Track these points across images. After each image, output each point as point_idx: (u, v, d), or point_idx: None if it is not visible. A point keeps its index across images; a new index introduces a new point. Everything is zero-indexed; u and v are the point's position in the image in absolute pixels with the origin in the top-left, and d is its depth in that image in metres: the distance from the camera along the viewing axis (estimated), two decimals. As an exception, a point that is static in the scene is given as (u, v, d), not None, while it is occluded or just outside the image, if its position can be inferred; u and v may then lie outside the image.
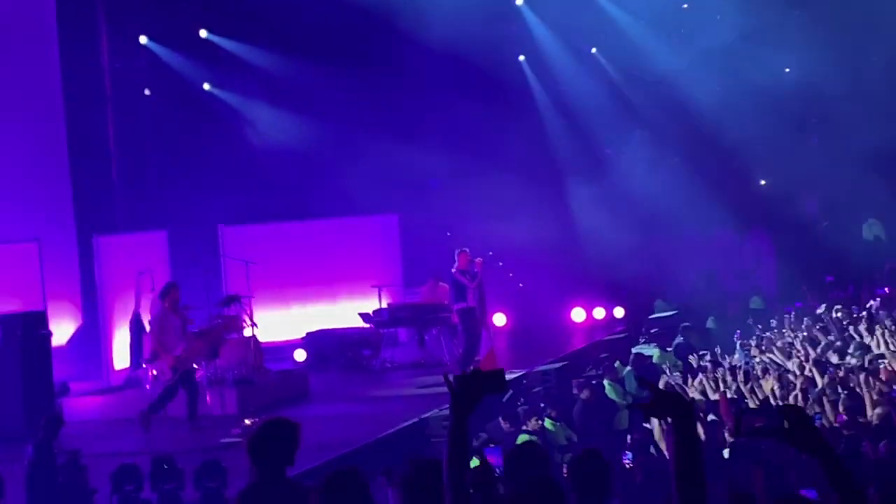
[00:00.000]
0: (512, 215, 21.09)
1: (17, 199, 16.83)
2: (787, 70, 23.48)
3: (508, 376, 15.33)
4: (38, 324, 14.06)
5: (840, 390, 10.90)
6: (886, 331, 14.02)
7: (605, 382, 14.55)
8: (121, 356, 16.85)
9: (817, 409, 10.60)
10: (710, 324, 19.38)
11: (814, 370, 12.08)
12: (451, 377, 4.13)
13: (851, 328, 14.85)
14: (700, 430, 9.90)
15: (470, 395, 4.07)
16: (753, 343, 15.76)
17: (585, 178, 22.72)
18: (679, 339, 17.26)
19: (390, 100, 20.89)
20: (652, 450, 9.95)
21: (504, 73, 22.11)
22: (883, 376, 11.45)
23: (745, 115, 22.41)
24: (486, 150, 21.25)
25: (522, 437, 11.52)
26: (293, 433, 5.33)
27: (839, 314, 16.31)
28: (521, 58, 23.41)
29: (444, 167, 20.59)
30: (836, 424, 9.98)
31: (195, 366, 13.59)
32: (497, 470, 4.84)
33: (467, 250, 16.52)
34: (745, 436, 3.61)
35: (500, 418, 12.28)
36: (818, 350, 13.79)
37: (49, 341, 14.17)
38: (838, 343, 14.21)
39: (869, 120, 21.42)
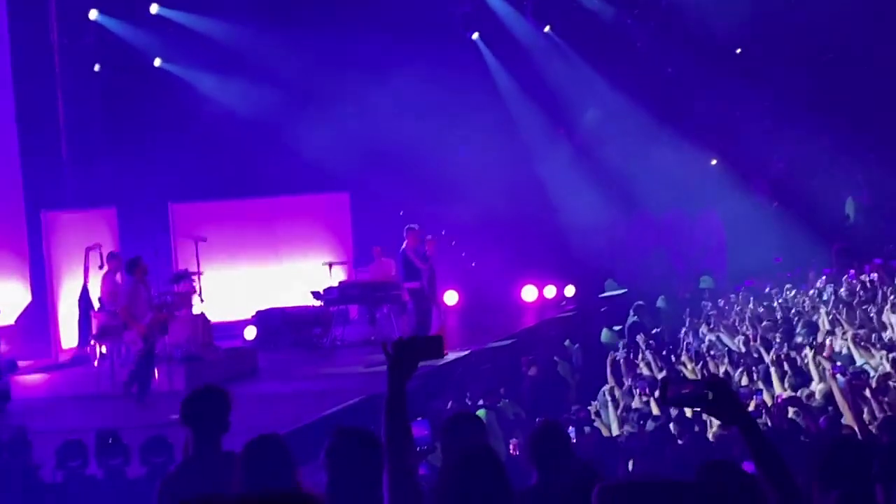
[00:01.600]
0: (464, 194, 21.14)
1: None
2: (738, 51, 23.74)
3: (458, 354, 15.46)
4: (-16, 299, 13.94)
5: (786, 367, 11.05)
6: (833, 309, 14.23)
7: (556, 359, 14.68)
8: (69, 333, 16.72)
9: (760, 386, 10.75)
10: (660, 303, 19.56)
11: (760, 348, 12.24)
12: (388, 345, 4.15)
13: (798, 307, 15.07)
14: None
15: (407, 362, 4.10)
16: (703, 322, 15.94)
17: (539, 158, 22.83)
18: (633, 318, 17.42)
19: (342, 74, 20.80)
20: (587, 429, 10.08)
21: (457, 48, 22.13)
22: (827, 353, 11.62)
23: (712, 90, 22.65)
24: (439, 128, 21.25)
25: (480, 412, 11.61)
26: (224, 398, 5.36)
27: (791, 293, 16.55)
28: (475, 35, 23.41)
29: (395, 144, 20.57)
30: (779, 401, 10.12)
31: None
32: (423, 444, 4.84)
33: (416, 227, 16.54)
34: (670, 404, 3.67)
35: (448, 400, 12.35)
36: (762, 327, 13.98)
37: (-4, 317, 14.05)
38: (783, 323, 14.40)
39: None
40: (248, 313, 18.50)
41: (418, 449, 4.67)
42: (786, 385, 10.71)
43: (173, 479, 5.34)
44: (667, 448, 8.60)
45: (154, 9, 20.81)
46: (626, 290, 20.97)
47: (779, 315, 15.13)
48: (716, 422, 8.37)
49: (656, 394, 9.78)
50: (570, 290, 22.34)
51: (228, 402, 5.38)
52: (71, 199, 18.90)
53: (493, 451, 4.15)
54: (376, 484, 4.11)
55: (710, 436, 8.72)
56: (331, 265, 18.50)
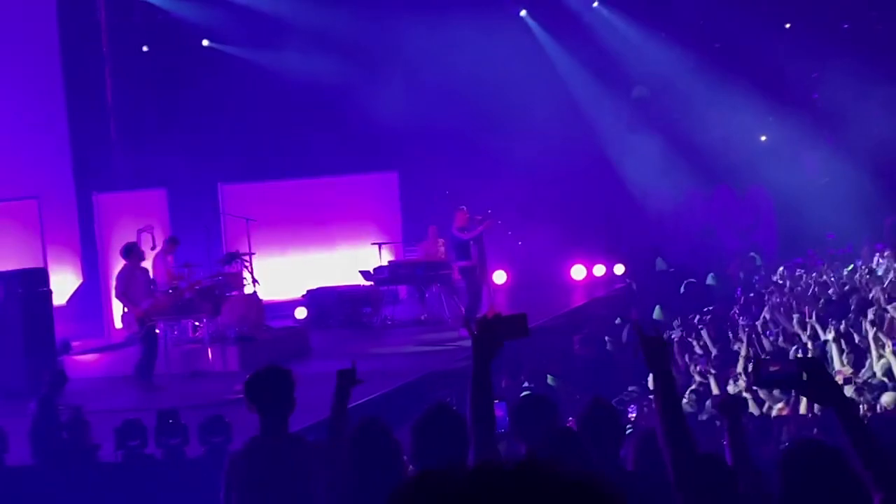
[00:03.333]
0: (512, 173, 21.06)
1: (17, 157, 16.78)
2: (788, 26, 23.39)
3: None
4: (39, 281, 14.05)
5: (843, 345, 10.90)
6: (889, 285, 14.04)
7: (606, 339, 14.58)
8: (121, 314, 16.82)
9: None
10: (710, 280, 19.39)
11: (816, 325, 12.08)
12: (471, 324, 4.11)
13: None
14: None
15: (492, 340, 4.06)
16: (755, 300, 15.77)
17: (587, 135, 22.66)
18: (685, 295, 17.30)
19: (390, 54, 20.74)
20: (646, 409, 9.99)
21: (506, 26, 22.00)
22: (885, 329, 11.45)
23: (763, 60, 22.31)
24: (487, 106, 21.15)
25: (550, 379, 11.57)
26: (287, 377, 5.36)
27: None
28: (523, 12, 23.27)
29: (443, 124, 20.50)
30: (840, 381, 9.99)
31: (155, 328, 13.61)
32: (500, 427, 4.83)
33: (465, 208, 16.50)
34: (762, 385, 3.62)
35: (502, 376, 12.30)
36: (817, 305, 13.80)
37: (50, 299, 14.17)
38: (838, 300, 14.21)
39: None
40: (299, 293, 18.54)
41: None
42: (844, 362, 10.57)
43: (241, 457, 5.33)
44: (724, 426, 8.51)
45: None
46: (673, 269, 20.80)
47: (832, 292, 14.93)
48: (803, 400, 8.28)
49: (738, 371, 9.68)
50: (619, 269, 22.19)
51: (292, 381, 5.37)
52: (121, 181, 19.02)
53: (576, 434, 4.12)
54: (462, 461, 4.08)
55: (774, 412, 8.62)
56: (380, 245, 18.50)
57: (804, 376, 3.43)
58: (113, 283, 13.92)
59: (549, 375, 12.62)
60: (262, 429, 5.29)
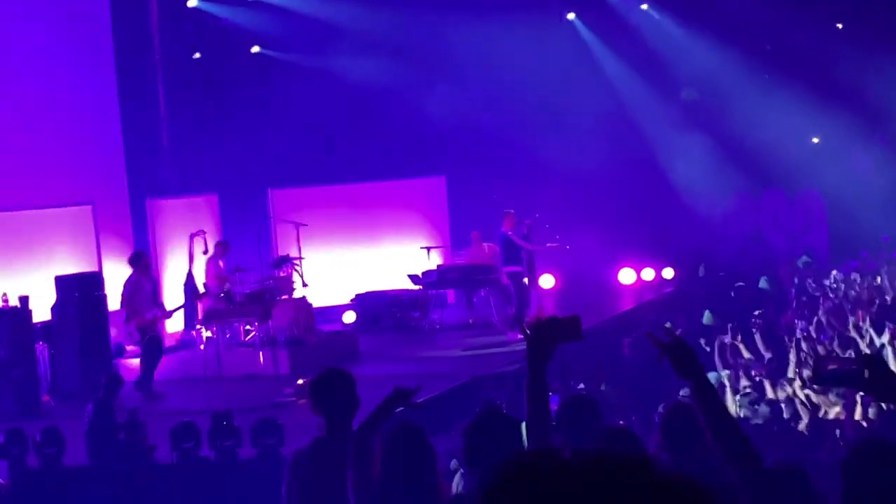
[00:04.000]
0: (560, 176, 21.05)
1: (72, 163, 17.03)
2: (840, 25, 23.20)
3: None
4: (94, 285, 14.26)
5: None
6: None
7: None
8: (175, 318, 17.01)
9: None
10: (762, 284, 19.25)
11: (870, 330, 12.00)
12: (526, 327, 4.13)
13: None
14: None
15: (546, 343, 4.06)
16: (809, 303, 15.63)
17: (635, 139, 22.58)
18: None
19: (438, 59, 20.80)
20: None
21: (554, 29, 22.00)
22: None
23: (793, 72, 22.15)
24: (535, 110, 21.15)
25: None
26: (349, 378, 5.41)
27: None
28: (571, 15, 23.25)
29: (491, 127, 20.54)
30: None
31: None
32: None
33: (512, 212, 16.53)
34: (824, 383, 3.58)
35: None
36: (874, 310, 13.68)
37: (105, 303, 14.36)
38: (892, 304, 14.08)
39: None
40: (348, 297, 18.63)
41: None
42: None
43: (305, 457, 5.39)
44: (780, 431, 8.49)
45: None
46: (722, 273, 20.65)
47: (889, 297, 14.80)
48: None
49: (805, 374, 9.62)
50: (668, 273, 22.07)
51: (353, 382, 5.42)
52: (173, 186, 19.23)
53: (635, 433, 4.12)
54: None
55: (831, 416, 8.57)
56: (428, 249, 18.56)
57: (866, 373, 3.41)
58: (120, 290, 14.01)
59: (602, 383, 12.59)
60: (327, 430, 5.34)
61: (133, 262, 13.66)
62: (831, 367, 3.47)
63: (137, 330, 13.38)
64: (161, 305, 13.93)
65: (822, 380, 3.54)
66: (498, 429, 4.43)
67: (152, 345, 13.43)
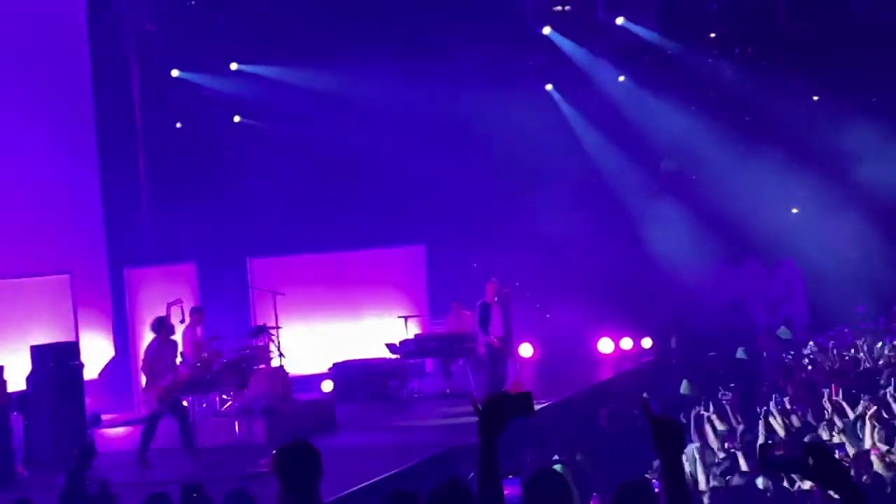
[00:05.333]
0: (539, 245, 21.16)
1: (50, 232, 17.06)
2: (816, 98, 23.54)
3: (536, 406, 15.37)
4: (70, 355, 14.20)
5: (875, 421, 10.83)
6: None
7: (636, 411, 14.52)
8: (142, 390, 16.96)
9: (843, 440, 10.57)
10: (740, 354, 19.30)
11: (843, 402, 12.01)
12: (477, 401, 4.15)
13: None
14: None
15: (497, 418, 4.09)
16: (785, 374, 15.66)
17: (614, 209, 22.77)
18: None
19: (416, 129, 21.00)
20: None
21: (531, 100, 22.26)
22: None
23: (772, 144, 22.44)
24: (514, 180, 21.34)
25: (557, 466, 11.54)
26: (315, 452, 5.38)
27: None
28: (549, 86, 23.53)
29: (470, 197, 20.69)
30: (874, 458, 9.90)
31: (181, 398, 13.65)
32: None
33: (495, 280, 16.61)
34: (769, 469, 3.62)
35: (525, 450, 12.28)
36: (849, 382, 13.70)
37: (81, 372, 14.30)
38: (868, 375, 14.12)
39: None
40: (325, 366, 18.60)
41: None
42: (876, 440, 10.49)
43: None
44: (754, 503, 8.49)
45: (234, 66, 21.30)
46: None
47: (863, 367, 14.85)
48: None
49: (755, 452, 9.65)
50: (646, 342, 22.11)
51: (317, 454, 5.40)
52: (152, 255, 19.25)
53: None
54: None
55: (805, 487, 8.57)
56: (406, 318, 18.57)
57: (810, 461, 3.46)
58: (141, 355, 14.02)
59: (575, 450, 12.58)
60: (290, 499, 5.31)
61: (157, 327, 13.64)
62: (777, 453, 3.52)
63: (157, 400, 13.31)
64: (177, 370, 13.81)
65: (767, 466, 3.59)
66: (455, 502, 4.42)
67: (178, 407, 13.34)
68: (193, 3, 20.79)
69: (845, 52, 22.58)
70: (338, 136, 20.94)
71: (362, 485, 11.17)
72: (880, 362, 15.08)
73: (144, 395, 13.70)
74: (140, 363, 13.73)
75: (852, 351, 16.25)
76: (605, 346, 21.98)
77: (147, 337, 14.19)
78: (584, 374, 19.29)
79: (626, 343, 22.08)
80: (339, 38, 20.42)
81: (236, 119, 21.51)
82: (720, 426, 11.86)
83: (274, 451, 5.40)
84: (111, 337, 17.89)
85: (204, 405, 14.83)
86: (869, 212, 23.08)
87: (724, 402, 12.64)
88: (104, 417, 15.92)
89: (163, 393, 13.30)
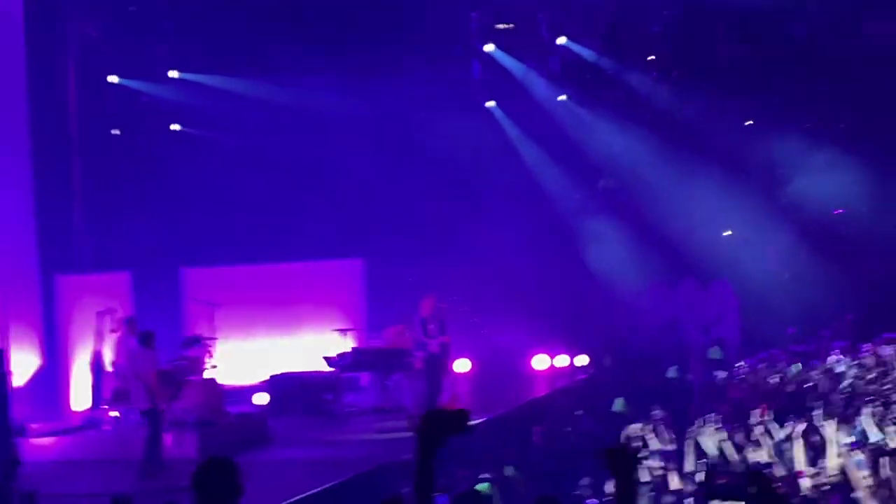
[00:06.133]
0: (478, 261, 21.20)
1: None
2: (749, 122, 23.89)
3: (470, 423, 15.38)
4: (-2, 362, 13.93)
5: (801, 443, 10.97)
6: (848, 384, 14.15)
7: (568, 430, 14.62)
8: (80, 396, 16.73)
9: (774, 460, 10.69)
10: (671, 373, 19.46)
11: (772, 423, 12.16)
12: (415, 418, 4.16)
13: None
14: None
15: (434, 436, 4.09)
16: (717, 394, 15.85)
17: (552, 225, 22.90)
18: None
19: (356, 143, 20.97)
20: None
21: (473, 116, 22.34)
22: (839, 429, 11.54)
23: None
24: (453, 195, 21.37)
25: (482, 486, 11.55)
26: (235, 469, 5.34)
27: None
28: (491, 103, 23.61)
29: (410, 211, 20.69)
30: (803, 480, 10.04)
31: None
32: None
33: (432, 295, 16.60)
34: (712, 496, 3.68)
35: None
36: (778, 403, 13.88)
37: (7, 381, 14.02)
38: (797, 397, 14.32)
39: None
40: (260, 379, 18.46)
41: None
42: (803, 461, 10.64)
43: None
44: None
45: (174, 73, 21.12)
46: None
47: (791, 389, 15.05)
48: None
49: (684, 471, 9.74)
50: (581, 360, 22.21)
51: (238, 471, 5.35)
52: (85, 263, 19.01)
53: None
54: None
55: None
56: (344, 331, 18.50)
57: (752, 489, 3.50)
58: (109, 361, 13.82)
59: (506, 466, 12.60)
60: None
61: (146, 340, 13.45)
62: (720, 480, 3.56)
63: (151, 403, 13.18)
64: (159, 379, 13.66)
65: (710, 493, 3.63)
66: None
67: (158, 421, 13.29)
68: (134, 8, 20.57)
69: (781, 76, 22.96)
70: (278, 147, 20.85)
71: (294, 499, 11.09)
72: (806, 385, 15.25)
73: (163, 406, 13.42)
74: (148, 379, 13.51)
75: (783, 373, 16.45)
76: (540, 362, 22.05)
77: (79, 345, 14.00)
78: (519, 391, 19.33)
79: (562, 360, 22.16)
80: (282, 48, 20.34)
81: (175, 127, 21.32)
82: (653, 445, 11.95)
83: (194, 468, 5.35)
84: (40, 344, 17.61)
85: (134, 416, 14.64)
86: (801, 234, 23.43)
87: (655, 420, 12.74)
88: (31, 426, 15.64)
89: (161, 401, 13.18)
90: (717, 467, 7.70)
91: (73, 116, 19.45)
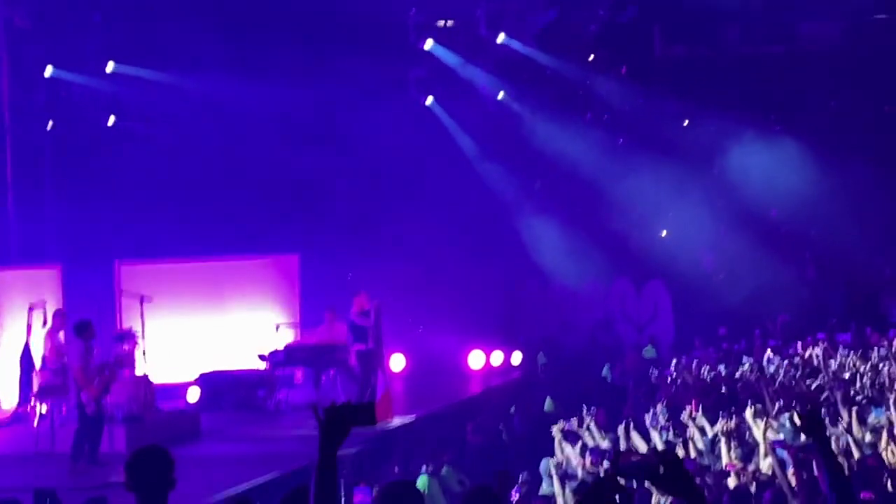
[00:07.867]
0: (415, 257, 21.19)
1: None
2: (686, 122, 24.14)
3: (404, 419, 15.38)
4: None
5: (732, 440, 11.09)
6: (777, 383, 14.33)
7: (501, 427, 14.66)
8: (8, 392, 16.45)
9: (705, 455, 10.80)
10: (605, 372, 19.60)
11: (704, 420, 12.28)
12: (319, 409, 4.12)
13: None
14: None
15: (338, 428, 4.07)
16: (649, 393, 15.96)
17: (490, 223, 22.95)
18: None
19: (293, 137, 20.87)
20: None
21: (412, 112, 22.33)
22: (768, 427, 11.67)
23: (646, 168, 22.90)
24: (391, 191, 21.34)
25: (421, 479, 11.57)
26: (166, 456, 5.28)
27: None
28: (430, 100, 23.60)
29: (346, 207, 20.62)
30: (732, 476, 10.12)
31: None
32: None
33: (364, 292, 16.56)
34: (621, 475, 3.66)
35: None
36: (709, 400, 14.01)
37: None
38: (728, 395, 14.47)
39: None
40: (193, 374, 18.28)
41: None
42: (733, 457, 10.74)
43: None
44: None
45: (110, 67, 20.84)
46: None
47: (723, 387, 15.21)
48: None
49: (605, 464, 9.80)
50: (516, 358, 22.28)
51: (171, 461, 5.29)
52: (15, 256, 18.71)
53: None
54: None
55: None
56: (278, 327, 18.38)
57: (661, 468, 3.51)
58: (65, 359, 13.60)
59: (444, 465, 12.61)
60: None
61: (80, 331, 13.22)
62: (632, 459, 3.57)
63: (94, 401, 12.95)
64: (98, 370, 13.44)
65: (619, 472, 3.63)
66: None
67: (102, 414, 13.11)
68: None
69: (718, 77, 23.23)
70: (214, 141, 20.67)
71: (223, 494, 11.00)
72: (738, 384, 15.41)
73: (84, 397, 13.20)
74: (73, 370, 13.28)
75: (713, 372, 16.61)
76: (475, 360, 22.08)
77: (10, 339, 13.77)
78: (454, 388, 19.35)
79: (497, 358, 22.20)
80: (219, 42, 20.18)
81: (110, 121, 21.06)
82: (589, 442, 12.02)
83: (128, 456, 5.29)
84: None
85: (64, 411, 14.45)
86: (736, 235, 23.71)
87: (588, 418, 12.81)
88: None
89: (97, 394, 12.97)
90: (628, 450, 7.74)
91: (6, 109, 19.15)
